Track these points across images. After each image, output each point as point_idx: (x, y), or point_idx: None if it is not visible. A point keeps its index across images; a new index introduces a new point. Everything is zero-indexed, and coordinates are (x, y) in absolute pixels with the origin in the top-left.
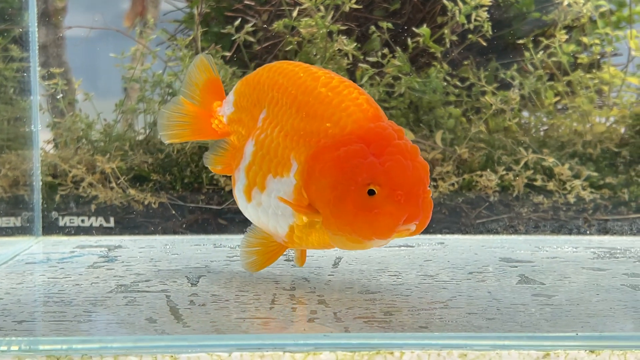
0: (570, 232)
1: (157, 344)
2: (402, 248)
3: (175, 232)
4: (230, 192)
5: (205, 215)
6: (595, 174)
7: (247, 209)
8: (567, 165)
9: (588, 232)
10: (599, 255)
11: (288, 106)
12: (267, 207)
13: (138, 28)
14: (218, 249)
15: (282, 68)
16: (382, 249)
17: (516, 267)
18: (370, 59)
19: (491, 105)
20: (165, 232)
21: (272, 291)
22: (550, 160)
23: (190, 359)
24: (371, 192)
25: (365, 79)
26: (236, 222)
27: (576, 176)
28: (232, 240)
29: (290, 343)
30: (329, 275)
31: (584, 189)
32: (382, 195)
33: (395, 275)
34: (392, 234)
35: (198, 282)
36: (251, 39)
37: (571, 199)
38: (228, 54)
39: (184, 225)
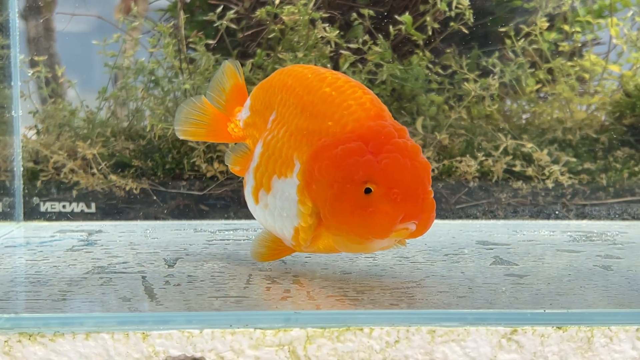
0: (548, 217)
1: (129, 321)
2: None
3: (156, 218)
4: (212, 178)
5: (187, 201)
6: (573, 159)
7: (256, 212)
8: (545, 151)
9: (567, 216)
10: (575, 239)
11: (294, 106)
12: (273, 209)
13: (127, 20)
14: (198, 234)
15: (293, 70)
16: None
17: (492, 249)
18: (352, 45)
19: (471, 92)
20: (146, 217)
21: (249, 272)
22: (529, 146)
23: (162, 335)
24: (368, 191)
25: (346, 65)
26: (217, 207)
27: (555, 162)
28: (213, 225)
29: (262, 320)
30: (306, 257)
31: (562, 174)
32: (378, 194)
33: (371, 257)
34: (389, 233)
35: (175, 264)
36: (234, 26)
37: (550, 184)
38: (212, 41)
39: (165, 211)
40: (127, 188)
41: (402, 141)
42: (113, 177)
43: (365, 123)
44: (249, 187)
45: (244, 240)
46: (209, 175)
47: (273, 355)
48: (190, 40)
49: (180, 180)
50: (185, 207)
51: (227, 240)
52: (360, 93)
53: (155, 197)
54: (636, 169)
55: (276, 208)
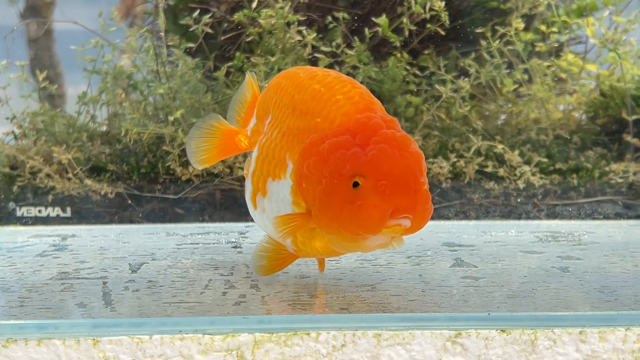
0: (519, 217)
1: (80, 328)
2: None
3: (131, 222)
4: (187, 181)
5: (162, 204)
6: (545, 160)
7: (255, 217)
8: (517, 152)
9: (538, 217)
10: (541, 239)
11: (286, 107)
12: (270, 213)
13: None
14: (169, 238)
15: (287, 72)
16: None
17: (456, 251)
18: (325, 49)
19: (443, 94)
20: (121, 221)
21: (210, 277)
22: (500, 147)
23: (113, 341)
24: (356, 184)
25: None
26: (193, 211)
27: (528, 162)
28: (186, 229)
29: (210, 326)
30: None
31: (533, 174)
32: (366, 187)
33: (334, 260)
34: (381, 228)
35: (139, 269)
36: (209, 30)
37: (521, 184)
38: (193, 45)
39: (141, 215)
40: (103, 192)
41: (390, 132)
42: (88, 181)
43: (353, 116)
44: (248, 193)
45: (213, 244)
46: (184, 178)
47: None
48: (171, 44)
49: (155, 184)
50: (161, 211)
51: (197, 244)
52: (350, 87)
53: (130, 201)
54: (607, 168)
55: (273, 211)
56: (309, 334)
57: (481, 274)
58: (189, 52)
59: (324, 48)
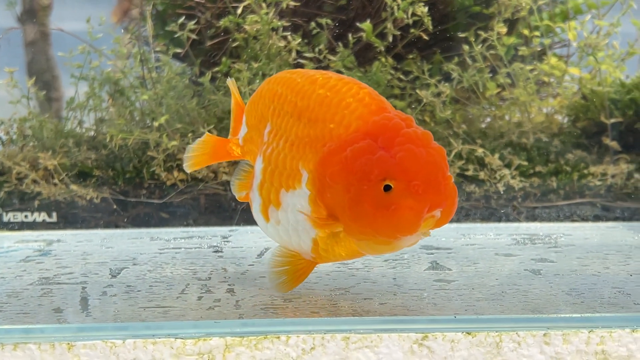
0: (499, 220)
1: (55, 332)
2: None
3: (117, 226)
4: (172, 186)
5: (147, 209)
6: (525, 163)
7: (268, 229)
8: (497, 155)
9: (518, 219)
10: (518, 242)
11: (290, 115)
12: (286, 224)
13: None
14: (153, 242)
15: (280, 77)
16: None
17: (433, 254)
18: (309, 54)
19: (423, 99)
20: (107, 226)
21: (188, 281)
22: (479, 151)
23: (87, 346)
24: (387, 188)
25: None
26: (178, 215)
27: (508, 165)
28: (170, 233)
29: (183, 330)
30: (249, 265)
31: (513, 177)
32: (399, 189)
33: None
34: (418, 227)
35: (119, 274)
36: (194, 36)
37: (501, 187)
38: (181, 50)
39: (126, 219)
40: (89, 197)
41: (412, 130)
42: (74, 186)
43: (369, 119)
44: (256, 206)
45: (195, 248)
46: (169, 183)
47: None
48: (158, 49)
49: (140, 188)
50: (146, 215)
51: (179, 248)
52: (357, 89)
53: (115, 206)
54: (586, 171)
55: (289, 223)
56: (279, 337)
57: (454, 277)
58: (177, 57)
59: (307, 54)
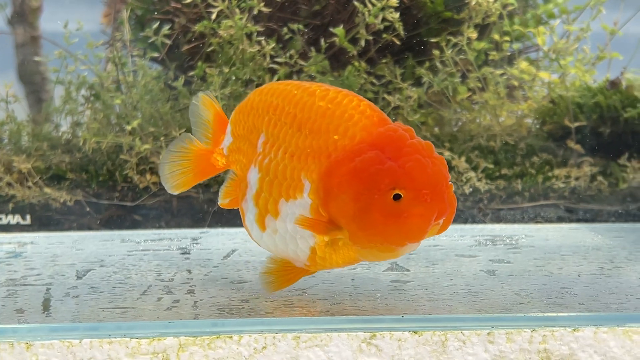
0: (465, 222)
1: (15, 333)
2: None
3: (90, 228)
4: (145, 189)
5: (120, 211)
6: (492, 166)
7: (263, 239)
8: (464, 158)
9: (483, 220)
10: (479, 243)
11: (288, 126)
12: (284, 233)
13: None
14: (123, 244)
15: (274, 89)
16: None
17: None
18: (280, 59)
19: (391, 102)
20: (80, 228)
21: (150, 283)
22: (446, 154)
23: (45, 345)
24: (396, 197)
25: (275, 78)
26: (150, 217)
27: (475, 168)
28: (142, 235)
29: (138, 330)
30: (214, 266)
31: (479, 180)
32: (409, 198)
33: None
34: (425, 235)
35: (85, 275)
36: (167, 41)
37: (467, 190)
38: (157, 54)
39: (99, 222)
40: (62, 200)
41: (416, 141)
42: (47, 189)
43: (373, 130)
44: (251, 215)
45: (163, 250)
46: (141, 186)
47: None
48: (135, 54)
49: (113, 191)
50: (119, 218)
51: (148, 250)
52: (357, 101)
53: (88, 209)
54: (550, 174)
55: (287, 232)
56: (231, 337)
57: (411, 277)
58: (156, 61)
59: (278, 59)
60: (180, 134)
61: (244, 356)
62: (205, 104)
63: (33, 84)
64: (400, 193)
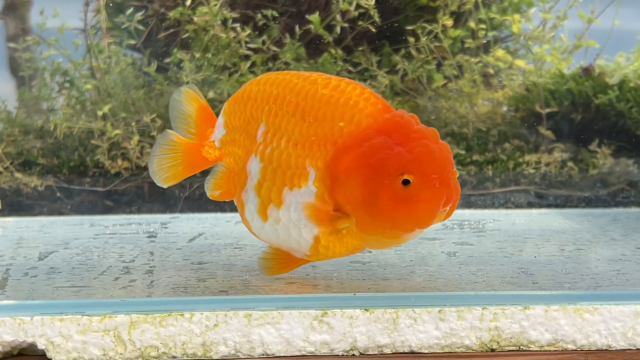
0: None
1: None
2: None
3: (60, 214)
4: (117, 174)
5: (91, 197)
6: (463, 152)
7: (264, 229)
8: None
9: None
10: (447, 227)
11: (291, 114)
12: (287, 222)
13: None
14: (92, 228)
15: (272, 79)
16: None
17: None
18: (253, 45)
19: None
20: (51, 213)
21: (110, 264)
22: None
23: None
24: (405, 182)
25: (247, 64)
26: (122, 203)
27: None
28: (111, 220)
29: (90, 307)
30: (177, 249)
31: None
32: (418, 183)
33: (239, 248)
34: (434, 220)
35: (47, 257)
36: (140, 27)
37: None
38: (134, 42)
39: (69, 207)
40: (33, 185)
41: (422, 127)
42: (18, 174)
43: (379, 117)
44: (252, 206)
45: (130, 234)
46: (113, 171)
47: (99, 340)
48: (110, 41)
49: (85, 177)
50: (90, 203)
51: (114, 234)
52: (360, 89)
53: (59, 194)
54: (521, 160)
55: (291, 221)
56: (182, 314)
57: (372, 258)
58: (134, 49)
59: (251, 45)
60: (162, 131)
61: (196, 333)
62: (187, 98)
63: (22, 76)
64: (409, 178)
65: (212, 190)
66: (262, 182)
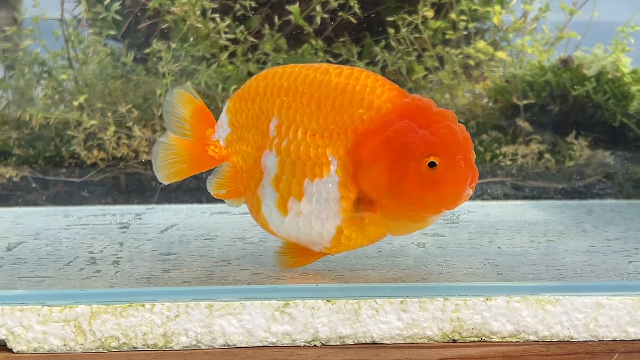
0: None
1: None
2: (245, 215)
3: (36, 204)
4: (93, 165)
5: (67, 187)
6: None
7: (284, 224)
8: None
9: None
10: None
11: (306, 105)
12: (309, 214)
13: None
14: (65, 219)
15: (280, 73)
16: (221, 216)
17: None
18: (230, 36)
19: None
20: (26, 204)
21: (78, 254)
22: None
23: None
24: (432, 164)
25: (225, 54)
26: (98, 194)
27: None
28: (87, 211)
29: (51, 298)
30: (148, 240)
31: None
32: (444, 165)
33: (209, 239)
34: (460, 201)
35: (15, 247)
36: (118, 17)
37: None
38: (113, 32)
39: (45, 198)
40: (8, 175)
41: (442, 110)
42: None
43: (398, 102)
44: (270, 202)
45: (103, 225)
46: (89, 162)
47: (60, 330)
48: (91, 31)
49: (60, 167)
50: (66, 194)
51: (87, 225)
52: (373, 76)
53: (34, 184)
54: (498, 151)
55: (312, 212)
56: (143, 305)
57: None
58: (115, 39)
59: (229, 35)
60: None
61: (157, 324)
62: (182, 101)
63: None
64: (434, 160)
65: (217, 189)
66: (280, 176)
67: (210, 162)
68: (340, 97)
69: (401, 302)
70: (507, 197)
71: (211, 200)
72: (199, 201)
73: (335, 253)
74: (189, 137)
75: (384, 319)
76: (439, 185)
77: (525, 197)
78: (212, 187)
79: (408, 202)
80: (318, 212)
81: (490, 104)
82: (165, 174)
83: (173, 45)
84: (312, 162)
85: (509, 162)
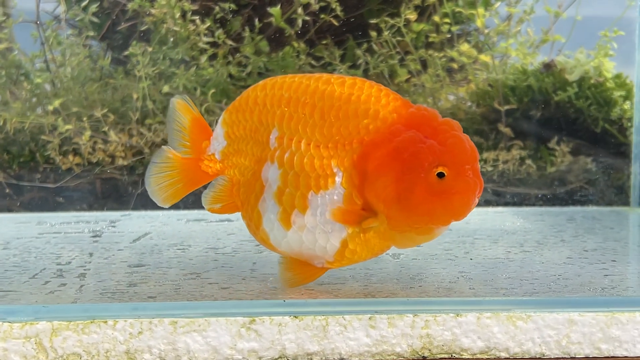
0: None
1: None
2: (221, 223)
3: (9, 210)
4: (68, 170)
5: (42, 193)
6: None
7: (286, 238)
8: None
9: None
10: None
11: (308, 116)
12: (313, 227)
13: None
14: (38, 226)
15: (280, 83)
16: (197, 224)
17: None
18: (207, 39)
19: None
20: (0, 210)
21: (45, 266)
22: None
23: None
24: (440, 175)
25: (204, 57)
26: (74, 199)
27: None
28: (61, 218)
29: (11, 315)
30: (119, 250)
31: None
32: (453, 175)
33: (181, 249)
34: (469, 211)
35: None
36: (95, 19)
37: None
38: (93, 33)
39: (19, 204)
40: None
41: (447, 120)
42: None
43: (404, 112)
44: (272, 215)
45: (75, 233)
46: (64, 167)
47: (20, 347)
48: (70, 32)
49: (35, 172)
50: (40, 200)
51: (59, 233)
52: (377, 86)
53: (8, 190)
54: (479, 157)
55: (317, 226)
56: (106, 322)
57: None
58: (95, 40)
59: (204, 38)
60: (158, 148)
61: (119, 341)
62: (180, 110)
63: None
64: (443, 171)
65: (212, 204)
66: (283, 189)
67: (204, 177)
68: (344, 107)
69: (370, 318)
70: (487, 203)
71: (188, 206)
72: (176, 207)
73: (337, 267)
74: (187, 148)
75: (353, 335)
76: (448, 196)
77: (506, 204)
78: (207, 201)
79: (417, 214)
80: (323, 225)
81: (473, 108)
82: (162, 198)
83: (149, 49)
84: (316, 174)
85: (490, 168)
